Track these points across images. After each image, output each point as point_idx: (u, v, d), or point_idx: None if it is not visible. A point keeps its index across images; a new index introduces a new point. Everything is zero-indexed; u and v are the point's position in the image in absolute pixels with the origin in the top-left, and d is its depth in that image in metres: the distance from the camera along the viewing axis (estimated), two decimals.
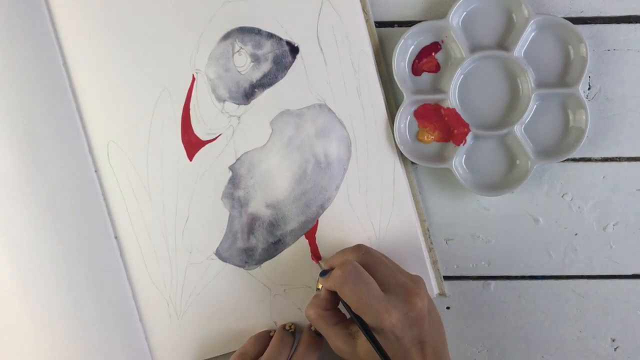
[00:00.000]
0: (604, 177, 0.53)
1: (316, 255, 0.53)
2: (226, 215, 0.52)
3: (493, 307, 0.54)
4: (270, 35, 0.51)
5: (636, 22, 0.51)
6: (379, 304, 0.44)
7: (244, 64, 0.51)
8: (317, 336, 0.50)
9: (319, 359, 0.50)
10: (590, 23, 0.51)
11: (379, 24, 0.52)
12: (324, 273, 0.48)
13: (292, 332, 0.52)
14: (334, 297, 0.48)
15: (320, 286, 0.49)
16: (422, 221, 0.53)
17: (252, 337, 0.52)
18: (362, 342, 0.46)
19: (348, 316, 0.48)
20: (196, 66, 0.51)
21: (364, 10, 0.51)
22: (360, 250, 0.48)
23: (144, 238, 0.52)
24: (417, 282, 0.47)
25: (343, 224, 0.52)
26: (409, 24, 0.51)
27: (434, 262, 0.53)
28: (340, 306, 0.48)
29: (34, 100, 0.50)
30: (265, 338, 0.51)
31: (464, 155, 0.52)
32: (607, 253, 0.53)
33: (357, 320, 0.45)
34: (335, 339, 0.47)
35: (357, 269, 0.46)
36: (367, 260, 0.47)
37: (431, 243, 0.53)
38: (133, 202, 0.52)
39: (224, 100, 0.52)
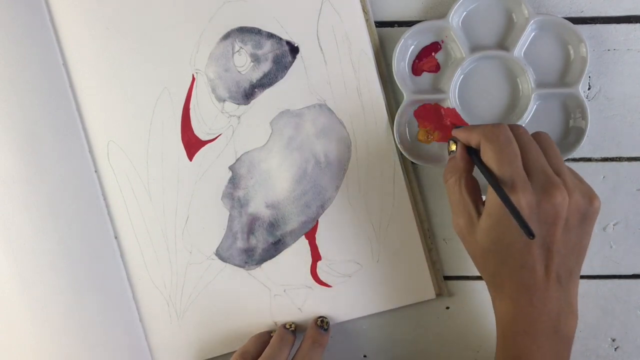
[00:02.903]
0: (604, 177, 0.53)
1: (317, 256, 0.53)
2: (226, 215, 0.52)
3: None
4: (270, 35, 0.51)
5: (636, 22, 0.51)
6: (518, 177, 0.40)
7: (244, 64, 0.52)
8: (322, 331, 0.50)
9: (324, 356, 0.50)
10: (590, 23, 0.51)
11: (379, 24, 0.52)
12: (459, 126, 0.44)
13: (292, 330, 0.52)
14: (469, 162, 0.44)
15: (452, 148, 0.45)
16: (422, 221, 0.53)
17: (253, 336, 0.52)
18: (482, 228, 0.41)
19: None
20: (196, 66, 0.51)
21: (364, 10, 0.51)
22: (516, 127, 0.43)
23: (144, 238, 0.52)
24: (566, 173, 0.41)
25: (343, 224, 0.52)
26: (409, 24, 0.51)
27: (434, 262, 0.53)
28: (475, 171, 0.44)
29: (33, 101, 0.50)
30: (266, 338, 0.51)
31: None
32: (607, 253, 0.53)
33: (491, 179, 0.40)
34: (461, 213, 0.43)
35: (510, 136, 0.41)
36: (521, 138, 0.42)
37: (431, 243, 0.53)
38: (133, 202, 0.52)
39: (224, 100, 0.52)
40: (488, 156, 0.41)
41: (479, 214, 0.43)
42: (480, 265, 0.44)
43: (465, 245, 0.44)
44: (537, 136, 0.44)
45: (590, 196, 0.42)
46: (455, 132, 0.46)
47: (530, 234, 0.37)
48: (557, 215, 0.40)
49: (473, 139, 0.44)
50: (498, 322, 0.43)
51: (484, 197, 0.44)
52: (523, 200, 0.39)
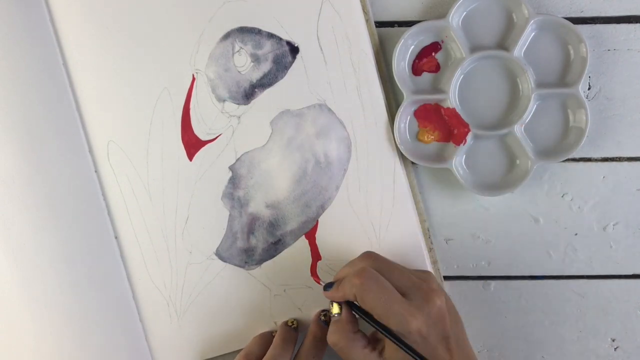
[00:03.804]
0: (604, 177, 0.53)
1: (317, 256, 0.53)
2: (226, 215, 0.52)
3: (493, 307, 0.54)
4: (270, 35, 0.51)
5: (636, 22, 0.51)
6: (402, 307, 0.44)
7: (244, 64, 0.51)
8: (325, 326, 0.50)
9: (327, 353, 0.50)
10: (590, 23, 0.51)
11: (379, 24, 0.52)
12: (329, 285, 0.47)
13: (294, 328, 0.52)
14: (353, 317, 0.47)
15: (337, 310, 0.47)
16: (422, 221, 0.53)
17: (255, 337, 0.51)
18: (390, 355, 0.45)
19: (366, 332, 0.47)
20: (196, 66, 0.51)
21: (364, 10, 0.51)
22: (370, 258, 0.47)
23: (144, 238, 0.52)
24: (428, 279, 0.46)
25: (343, 224, 0.52)
26: (409, 24, 0.51)
27: (434, 262, 0.53)
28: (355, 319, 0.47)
29: (33, 100, 0.50)
30: (269, 337, 0.51)
31: (464, 155, 0.52)
32: (607, 253, 0.53)
33: (381, 328, 0.44)
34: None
35: (375, 274, 0.45)
36: (379, 266, 0.46)
37: (431, 243, 0.53)
38: (133, 202, 0.52)
39: (224, 100, 0.52)
40: (369, 305, 0.44)
41: (379, 350, 0.46)
42: None
43: None
44: (378, 256, 0.47)
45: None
46: (328, 295, 0.47)
47: None
48: (443, 313, 0.45)
49: (348, 294, 0.45)
50: None
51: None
52: (419, 321, 0.44)
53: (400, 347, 0.44)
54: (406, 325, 0.43)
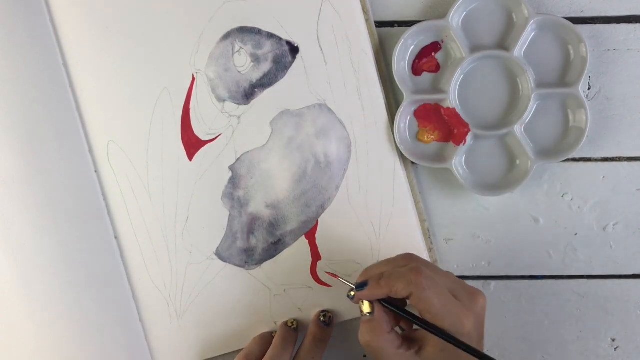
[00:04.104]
0: (604, 177, 0.53)
1: (317, 256, 0.53)
2: (226, 215, 0.52)
3: (493, 307, 0.54)
4: (270, 35, 0.51)
5: (636, 22, 0.51)
6: (457, 308, 0.42)
7: (244, 64, 0.51)
8: (324, 327, 0.50)
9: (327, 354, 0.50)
10: (590, 23, 0.51)
11: (379, 24, 0.52)
12: (362, 285, 0.43)
13: (294, 328, 0.52)
14: (392, 315, 0.44)
15: (368, 309, 0.44)
16: (422, 221, 0.53)
17: (255, 337, 0.52)
18: (430, 355, 0.43)
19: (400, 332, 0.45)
20: (196, 66, 0.51)
21: (364, 10, 0.51)
22: (413, 259, 0.45)
23: (144, 238, 0.52)
24: (464, 282, 0.45)
25: (343, 224, 0.52)
26: (409, 24, 0.51)
27: (434, 262, 0.53)
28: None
29: (33, 100, 0.50)
30: (268, 338, 0.51)
31: (464, 155, 0.52)
32: (607, 253, 0.53)
33: (431, 328, 0.42)
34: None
35: (430, 274, 0.42)
36: (422, 266, 0.44)
37: (431, 243, 0.53)
38: (133, 202, 0.52)
39: (224, 100, 0.52)
40: (428, 304, 0.42)
41: (415, 350, 0.44)
42: None
43: None
44: (419, 257, 0.46)
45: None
46: (364, 294, 0.44)
47: (482, 357, 0.41)
48: (484, 312, 0.44)
49: (400, 292, 0.42)
50: None
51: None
52: (471, 322, 0.42)
53: (458, 347, 0.41)
54: (460, 326, 0.42)
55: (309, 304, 0.53)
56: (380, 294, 0.43)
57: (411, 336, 0.45)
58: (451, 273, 0.46)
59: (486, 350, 0.54)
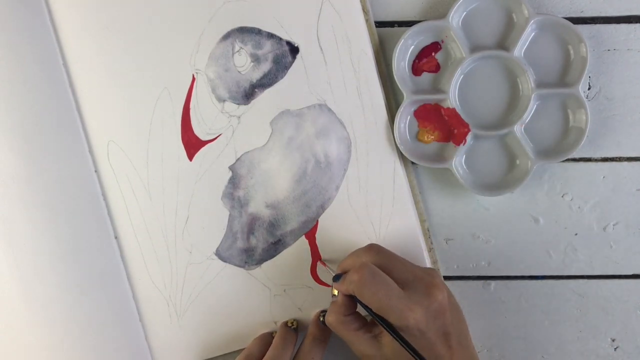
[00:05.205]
0: (604, 177, 0.53)
1: (317, 256, 0.53)
2: (226, 215, 0.52)
3: (493, 307, 0.54)
4: (270, 35, 0.51)
5: (636, 22, 0.51)
6: (400, 302, 0.44)
7: (244, 64, 0.51)
8: (324, 327, 0.50)
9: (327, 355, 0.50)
10: (590, 23, 0.51)
11: (379, 24, 0.52)
12: (337, 277, 0.47)
13: (294, 328, 0.52)
14: (351, 302, 0.47)
15: (335, 292, 0.48)
16: (422, 221, 0.53)
17: (255, 338, 0.52)
18: (387, 342, 0.46)
19: (368, 319, 0.48)
20: (196, 66, 0.51)
21: (364, 10, 0.51)
22: (373, 250, 0.48)
23: (144, 238, 0.52)
24: (432, 274, 0.47)
25: (343, 224, 0.52)
26: (409, 24, 0.51)
27: (434, 262, 0.53)
28: (360, 309, 0.48)
29: (33, 100, 0.50)
30: (269, 338, 0.51)
31: (464, 155, 0.52)
32: (607, 253, 0.53)
33: (380, 320, 0.45)
34: (359, 344, 0.47)
35: (374, 270, 0.45)
36: (382, 259, 0.47)
37: (431, 243, 0.53)
38: (133, 202, 0.52)
39: (224, 100, 0.52)
40: (367, 301, 0.45)
41: (375, 334, 0.47)
42: None
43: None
44: (381, 248, 0.48)
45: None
46: (335, 287, 0.48)
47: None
48: (444, 308, 0.45)
49: (349, 290, 0.46)
50: None
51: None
52: (417, 315, 0.44)
53: (397, 340, 0.44)
54: (404, 320, 0.44)
55: (309, 304, 0.53)
56: (342, 291, 0.47)
57: (374, 321, 0.48)
58: (415, 265, 0.47)
59: (485, 351, 0.54)
